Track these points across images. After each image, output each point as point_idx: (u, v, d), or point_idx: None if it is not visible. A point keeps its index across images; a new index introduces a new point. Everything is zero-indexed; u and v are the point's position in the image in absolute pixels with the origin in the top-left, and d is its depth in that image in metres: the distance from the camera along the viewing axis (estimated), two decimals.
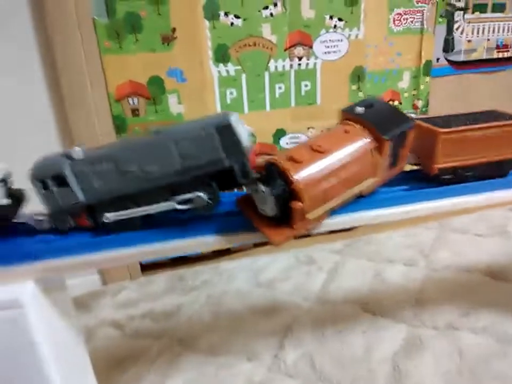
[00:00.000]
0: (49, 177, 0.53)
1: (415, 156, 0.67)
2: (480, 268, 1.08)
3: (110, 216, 0.56)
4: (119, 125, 1.07)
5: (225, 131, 0.51)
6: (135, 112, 1.08)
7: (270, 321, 0.95)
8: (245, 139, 0.54)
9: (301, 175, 0.51)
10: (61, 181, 0.53)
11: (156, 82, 1.07)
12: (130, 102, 1.06)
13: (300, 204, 0.50)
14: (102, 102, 1.03)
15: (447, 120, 0.66)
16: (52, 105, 0.99)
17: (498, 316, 0.91)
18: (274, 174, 0.51)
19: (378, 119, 0.58)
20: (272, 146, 1.23)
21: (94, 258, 0.56)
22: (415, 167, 0.69)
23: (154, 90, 1.07)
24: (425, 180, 0.65)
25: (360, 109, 0.58)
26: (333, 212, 0.57)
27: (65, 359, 0.59)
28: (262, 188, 0.51)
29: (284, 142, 1.25)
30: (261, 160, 0.60)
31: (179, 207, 0.55)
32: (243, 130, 0.54)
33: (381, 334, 0.90)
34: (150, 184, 0.54)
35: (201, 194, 0.54)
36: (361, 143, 0.55)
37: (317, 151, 0.53)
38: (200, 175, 0.53)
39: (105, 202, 0.55)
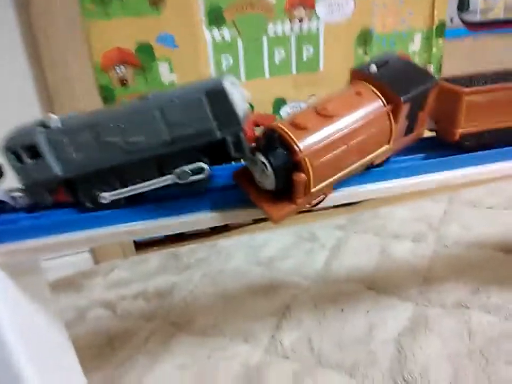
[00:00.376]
0: (22, 148, 0.48)
1: (432, 121, 0.60)
2: (492, 242, 1.02)
3: (107, 196, 0.51)
4: (107, 96, 1.01)
5: (217, 97, 0.45)
6: (123, 82, 1.01)
7: (268, 301, 0.90)
8: (240, 107, 0.48)
9: (305, 143, 0.44)
10: (34, 151, 0.48)
11: (145, 49, 1.00)
12: (118, 71, 1.00)
13: (303, 175, 0.44)
14: (87, 71, 0.97)
15: (468, 79, 0.59)
16: (32, 77, 0.93)
17: (511, 293, 0.85)
18: (275, 143, 0.45)
19: (393, 77, 0.51)
20: (271, 116, 1.16)
21: (73, 238, 0.51)
22: (430, 134, 0.62)
23: (143, 58, 1.00)
24: (444, 147, 0.58)
25: (373, 67, 0.51)
26: (340, 183, 0.51)
27: (39, 344, 0.55)
28: (261, 158, 0.45)
29: (285, 112, 1.18)
30: (260, 128, 0.55)
31: (179, 181, 0.49)
32: (238, 96, 0.48)
33: (385, 313, 0.85)
34: (135, 157, 0.48)
35: (203, 165, 0.48)
36: (374, 106, 0.49)
37: (324, 115, 0.47)
38: (189, 147, 0.47)
39: (85, 176, 0.50)
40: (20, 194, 0.52)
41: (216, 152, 0.49)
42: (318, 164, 0.45)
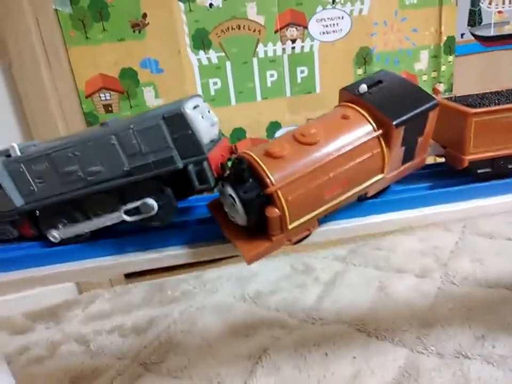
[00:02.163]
0: None
1: (440, 145, 0.54)
2: (506, 280, 0.91)
3: (56, 235, 0.48)
4: (92, 123, 0.99)
5: (176, 122, 0.41)
6: (108, 108, 0.99)
7: (247, 342, 0.83)
8: (205, 133, 0.43)
9: (279, 174, 0.39)
10: None
11: (129, 74, 0.98)
12: (102, 97, 0.98)
13: (276, 211, 0.39)
14: (71, 99, 0.96)
15: (479, 99, 0.52)
16: (13, 108, 0.92)
17: None
18: (244, 174, 0.40)
19: (385, 99, 0.45)
20: (265, 141, 1.11)
21: (29, 276, 0.47)
22: (440, 159, 0.56)
23: (127, 83, 0.98)
24: (454, 175, 0.52)
25: (363, 87, 0.46)
26: (328, 217, 0.45)
27: None
28: (229, 191, 0.40)
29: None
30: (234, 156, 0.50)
31: (128, 219, 0.45)
32: (204, 122, 0.44)
33: (374, 360, 0.76)
34: (95, 188, 0.45)
35: (150, 201, 0.44)
36: (362, 131, 0.43)
37: (303, 142, 0.42)
38: (150, 177, 0.43)
39: (46, 209, 0.47)
40: None
41: (180, 183, 0.44)
42: (294, 197, 0.40)
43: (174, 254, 0.47)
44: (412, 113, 0.43)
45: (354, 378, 0.73)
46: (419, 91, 0.46)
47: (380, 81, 0.47)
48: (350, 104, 0.46)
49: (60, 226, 0.48)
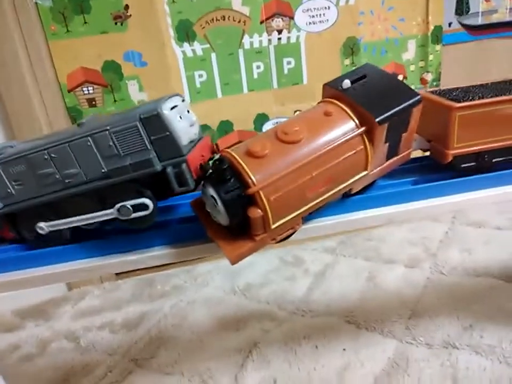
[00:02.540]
0: None
1: (425, 140, 0.53)
2: (494, 269, 0.91)
3: (43, 226, 0.46)
4: (75, 117, 0.98)
5: (153, 124, 0.40)
6: (91, 102, 0.97)
7: (237, 336, 0.83)
8: (184, 134, 0.42)
9: (260, 174, 0.39)
10: None
11: (112, 67, 0.96)
12: (85, 91, 0.96)
13: (258, 211, 0.38)
14: (53, 93, 0.94)
15: (464, 92, 0.52)
16: None
17: (509, 331, 0.74)
18: (225, 174, 0.39)
19: (368, 95, 0.44)
20: (253, 133, 1.10)
21: (11, 279, 0.47)
22: (425, 153, 0.55)
23: (110, 76, 0.96)
24: (439, 169, 0.52)
25: (346, 83, 0.44)
26: (313, 214, 0.45)
27: None
28: (211, 191, 0.39)
29: (268, 128, 1.11)
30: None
31: (120, 216, 0.44)
32: (182, 122, 0.42)
33: (363, 352, 0.76)
34: (72, 190, 0.44)
35: (130, 204, 0.43)
36: (345, 128, 0.42)
37: (285, 141, 0.41)
38: (129, 179, 0.42)
39: (25, 212, 0.46)
40: None
41: (159, 185, 0.43)
42: (276, 197, 0.39)
43: (157, 254, 0.46)
44: (395, 110, 0.42)
45: (344, 370, 0.73)
46: (403, 86, 0.45)
47: (363, 76, 0.46)
48: (333, 100, 0.45)
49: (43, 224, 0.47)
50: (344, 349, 0.77)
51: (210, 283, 1.01)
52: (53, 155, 0.42)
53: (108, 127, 0.41)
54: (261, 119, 1.10)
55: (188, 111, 0.45)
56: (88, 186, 0.43)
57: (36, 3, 0.88)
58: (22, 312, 1.01)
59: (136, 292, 1.02)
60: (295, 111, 1.11)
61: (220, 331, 0.85)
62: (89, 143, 0.41)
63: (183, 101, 0.45)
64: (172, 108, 0.42)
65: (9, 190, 0.45)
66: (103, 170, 0.42)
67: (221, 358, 0.78)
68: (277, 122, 1.11)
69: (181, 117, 0.43)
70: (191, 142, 0.44)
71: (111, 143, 0.41)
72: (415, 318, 0.82)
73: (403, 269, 0.98)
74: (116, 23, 0.93)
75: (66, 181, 0.43)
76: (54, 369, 0.82)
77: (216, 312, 0.91)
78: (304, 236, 0.46)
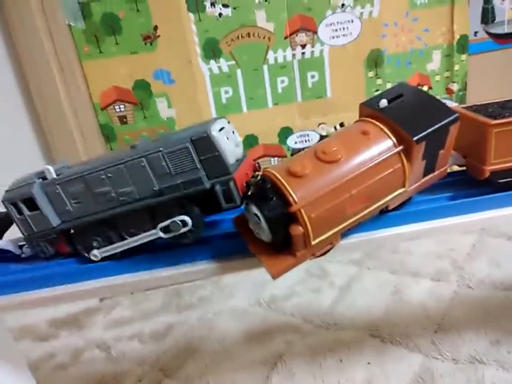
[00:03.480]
0: (20, 200, 0.48)
1: (460, 155, 0.53)
2: None
3: (97, 253, 0.50)
4: (108, 135, 1.02)
5: (203, 145, 0.43)
6: (123, 119, 1.01)
7: (262, 348, 0.85)
8: (231, 154, 0.45)
9: (301, 193, 0.40)
10: (32, 203, 0.48)
11: (142, 86, 1.00)
12: (117, 109, 1.00)
13: (300, 228, 0.40)
14: (87, 112, 0.98)
15: (500, 108, 0.52)
16: (31, 126, 0.95)
17: None
18: (268, 193, 0.40)
19: (405, 113, 0.44)
20: (277, 146, 1.12)
21: (64, 292, 0.50)
22: (460, 168, 0.55)
23: (140, 95, 1.00)
24: (475, 184, 0.52)
25: (383, 102, 0.45)
26: (350, 230, 0.46)
27: None
28: (254, 209, 0.41)
29: (292, 141, 1.13)
30: (256, 173, 0.51)
31: (164, 236, 0.48)
32: (229, 143, 0.46)
33: (388, 366, 0.76)
34: (126, 207, 0.47)
35: (179, 220, 0.46)
36: (382, 147, 0.43)
37: (324, 160, 0.42)
38: (179, 197, 0.45)
39: (81, 228, 0.50)
40: (25, 244, 0.53)
41: (208, 201, 0.46)
42: (317, 215, 0.40)
43: (201, 269, 0.48)
44: (432, 128, 0.43)
45: None
46: (440, 104, 0.46)
47: (400, 95, 0.47)
48: (370, 119, 0.45)
49: (95, 245, 0.50)
50: (368, 363, 0.78)
51: (236, 294, 1.03)
52: (109, 175, 0.46)
53: (161, 148, 0.44)
54: (285, 132, 1.11)
55: (233, 132, 0.48)
56: (141, 203, 0.46)
57: (69, 25, 0.93)
58: (56, 322, 1.05)
59: (164, 303, 1.05)
60: (319, 124, 1.12)
61: (245, 343, 0.87)
62: (143, 163, 0.45)
63: (228, 123, 0.48)
64: (220, 130, 0.45)
65: (67, 208, 0.48)
66: (154, 188, 0.45)
67: (247, 369, 0.80)
68: (301, 136, 1.13)
69: (227, 138, 0.46)
70: (237, 161, 0.47)
71: (163, 163, 0.44)
72: (441, 332, 0.82)
73: (429, 282, 0.98)
74: (145, 43, 0.97)
75: (121, 198, 0.47)
76: (86, 379, 0.85)
77: (242, 323, 0.93)
78: (342, 251, 0.48)
